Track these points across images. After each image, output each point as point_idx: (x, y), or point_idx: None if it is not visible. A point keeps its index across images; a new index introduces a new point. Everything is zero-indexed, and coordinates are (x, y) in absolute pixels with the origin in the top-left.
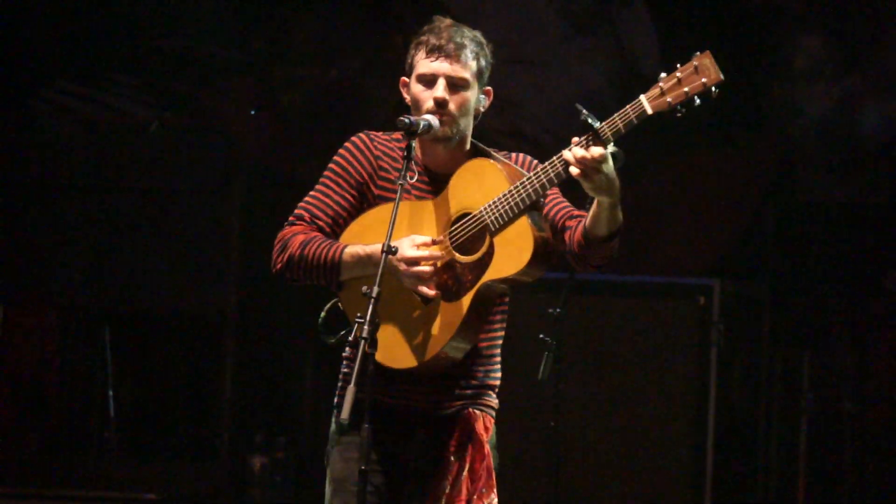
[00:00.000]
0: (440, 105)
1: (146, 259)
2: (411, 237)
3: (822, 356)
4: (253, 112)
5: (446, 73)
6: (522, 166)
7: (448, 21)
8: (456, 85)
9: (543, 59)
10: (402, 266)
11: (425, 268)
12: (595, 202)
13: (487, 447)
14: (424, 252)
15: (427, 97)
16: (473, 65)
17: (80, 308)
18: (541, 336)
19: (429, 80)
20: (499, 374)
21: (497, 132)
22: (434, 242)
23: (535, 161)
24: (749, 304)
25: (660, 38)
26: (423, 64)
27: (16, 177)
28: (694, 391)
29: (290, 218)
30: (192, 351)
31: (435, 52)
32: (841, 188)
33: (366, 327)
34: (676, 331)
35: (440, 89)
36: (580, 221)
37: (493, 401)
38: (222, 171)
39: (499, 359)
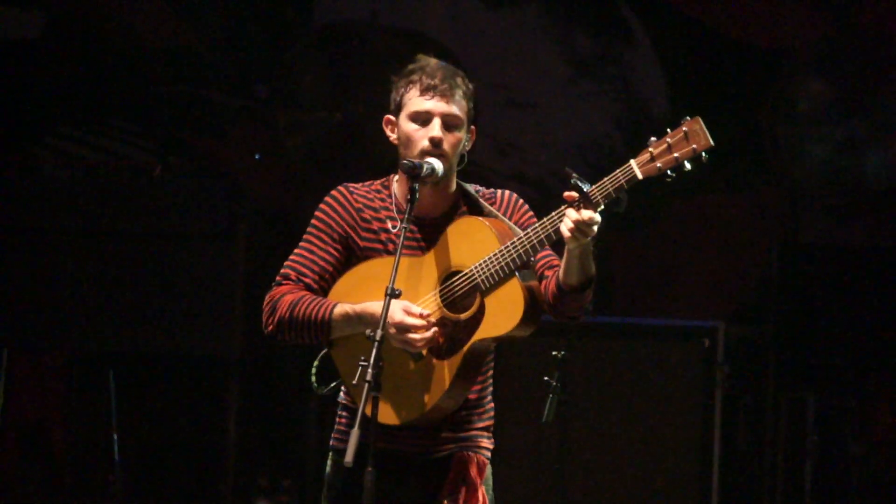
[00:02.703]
0: (436, 144)
1: (151, 303)
2: (405, 304)
3: (827, 398)
4: (258, 157)
5: (442, 112)
6: (508, 205)
7: (434, 60)
8: (450, 125)
9: (547, 102)
10: (392, 330)
11: (416, 336)
12: (566, 251)
13: (482, 489)
14: (416, 321)
15: (421, 136)
16: (465, 104)
17: (85, 352)
18: (545, 378)
19: (423, 119)
20: (492, 415)
21: (500, 175)
22: (425, 316)
23: (518, 197)
24: (754, 347)
25: (669, 81)
26: (417, 102)
27: (19, 222)
28: (699, 433)
29: (277, 278)
30: (197, 394)
31: (429, 90)
32: (845, 231)
33: (370, 370)
34: (681, 373)
35: (437, 128)
36: (556, 272)
37: (488, 441)
38: (227, 215)
39: (490, 401)
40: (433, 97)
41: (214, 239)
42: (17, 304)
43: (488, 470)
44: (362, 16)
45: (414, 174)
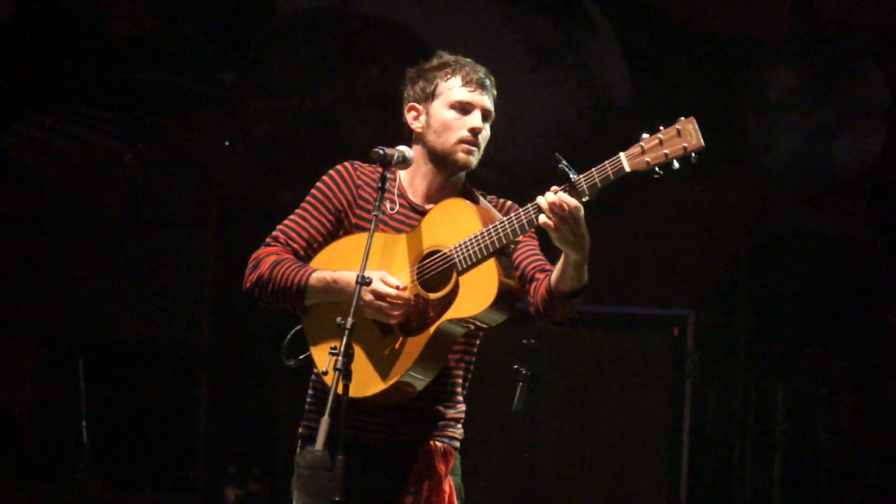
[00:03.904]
0: (475, 134)
1: (121, 290)
2: (382, 273)
3: (796, 387)
4: (227, 143)
5: (483, 106)
6: (507, 214)
7: (460, 56)
8: (486, 118)
9: (511, 89)
10: (369, 296)
11: (387, 304)
12: (563, 257)
13: (448, 480)
14: (392, 290)
15: (461, 125)
16: (493, 103)
17: (55, 339)
18: (515, 367)
19: (464, 108)
20: (462, 409)
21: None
22: (401, 288)
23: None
24: (723, 335)
25: (633, 70)
26: (460, 92)
27: None
28: (668, 422)
29: (267, 239)
30: (167, 381)
31: (473, 83)
32: (815, 219)
33: (340, 359)
34: (651, 362)
35: (478, 119)
36: (547, 276)
37: (457, 432)
38: (197, 202)
39: (461, 395)
40: (476, 89)
41: (185, 226)
42: None
43: (456, 459)
44: (333, 2)
45: (384, 162)
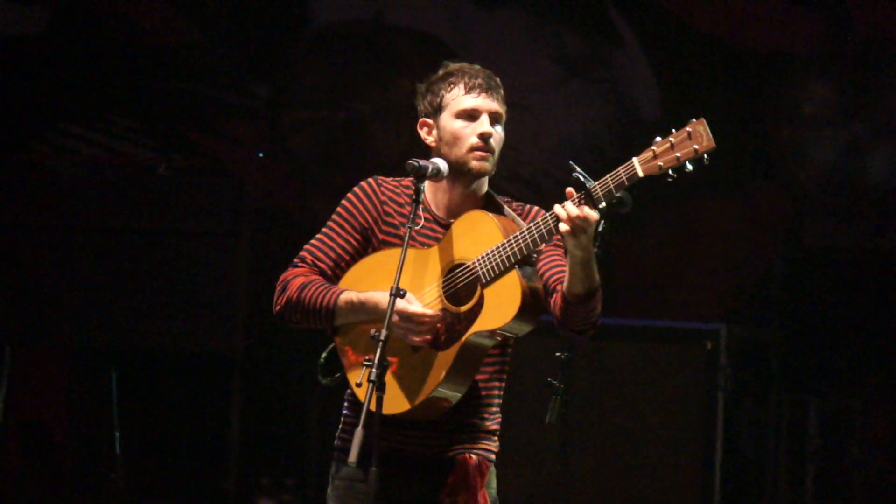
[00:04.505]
0: (486, 139)
1: (154, 300)
2: (409, 295)
3: (829, 401)
4: (261, 155)
5: (490, 109)
6: (534, 219)
7: (466, 64)
8: (496, 121)
9: (538, 103)
10: (395, 317)
11: (415, 328)
12: (569, 257)
13: (483, 492)
14: (419, 310)
15: (470, 133)
16: (503, 104)
17: (88, 349)
18: (549, 380)
19: (471, 115)
20: (498, 420)
21: (495, 175)
22: (427, 314)
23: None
24: (756, 349)
25: (662, 84)
26: (464, 100)
27: (22, 218)
28: (701, 435)
29: (294, 259)
30: (200, 392)
31: (476, 88)
32: (848, 234)
33: (374, 370)
34: (684, 375)
35: (486, 124)
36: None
37: (493, 445)
38: (230, 212)
39: (497, 407)
40: (480, 94)
41: (218, 237)
42: (20, 301)
43: (491, 472)
44: (366, 15)
45: (419, 174)
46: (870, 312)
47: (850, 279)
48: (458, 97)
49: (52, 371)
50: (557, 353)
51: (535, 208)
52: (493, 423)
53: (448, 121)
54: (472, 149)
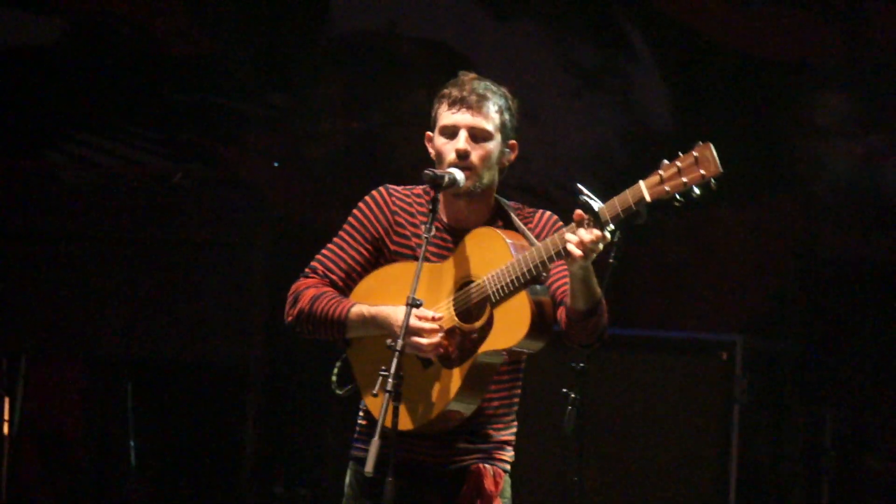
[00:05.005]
0: (462, 157)
1: (170, 310)
2: (419, 309)
3: (845, 414)
4: (276, 164)
5: (468, 125)
6: (545, 226)
7: (472, 75)
8: (477, 136)
9: (550, 113)
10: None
11: (424, 340)
12: (568, 274)
13: (497, 502)
14: (426, 324)
15: (449, 149)
16: (496, 117)
17: (103, 359)
18: (564, 390)
19: (451, 132)
20: (513, 430)
21: (507, 186)
22: (436, 319)
23: (558, 220)
24: (772, 361)
25: (675, 94)
26: (445, 116)
27: (38, 228)
28: (716, 446)
29: (306, 270)
30: (215, 402)
31: (457, 103)
32: (864, 245)
33: (390, 380)
34: (699, 386)
35: (461, 141)
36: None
37: (507, 454)
38: (247, 222)
39: (513, 417)
40: (459, 109)
41: (234, 247)
42: (36, 311)
43: (506, 482)
44: (381, 25)
45: (435, 184)
46: (886, 324)
47: (866, 291)
48: (442, 113)
49: (68, 381)
50: (573, 364)
51: (546, 214)
52: (508, 433)
53: (436, 136)
54: (450, 165)
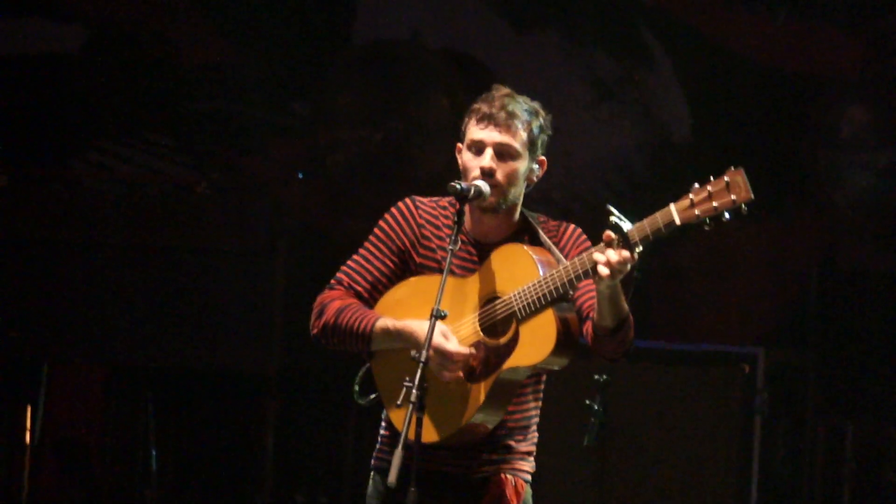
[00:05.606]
0: (487, 174)
1: (190, 318)
2: (444, 328)
3: (866, 426)
4: (301, 175)
5: (495, 142)
6: (569, 240)
7: (505, 90)
8: (504, 154)
9: (569, 125)
10: (430, 352)
11: (447, 373)
12: (596, 292)
13: None
14: (454, 348)
15: (475, 165)
16: (524, 134)
17: (124, 367)
18: (587, 402)
19: (478, 148)
20: (534, 440)
21: (526, 197)
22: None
23: (582, 233)
24: (793, 373)
25: (694, 106)
26: (474, 131)
27: (59, 236)
28: (737, 458)
29: (331, 281)
30: (235, 410)
31: (485, 119)
32: (884, 257)
33: (414, 391)
34: (721, 398)
35: (487, 158)
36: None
37: (529, 465)
38: (267, 231)
39: (535, 428)
40: (487, 126)
41: (254, 256)
42: (57, 318)
43: (527, 493)
44: (403, 35)
45: (461, 197)
46: None
47: (887, 303)
48: (471, 127)
49: (89, 389)
50: (596, 376)
51: (570, 228)
52: (530, 444)
53: (464, 150)
54: (475, 181)
